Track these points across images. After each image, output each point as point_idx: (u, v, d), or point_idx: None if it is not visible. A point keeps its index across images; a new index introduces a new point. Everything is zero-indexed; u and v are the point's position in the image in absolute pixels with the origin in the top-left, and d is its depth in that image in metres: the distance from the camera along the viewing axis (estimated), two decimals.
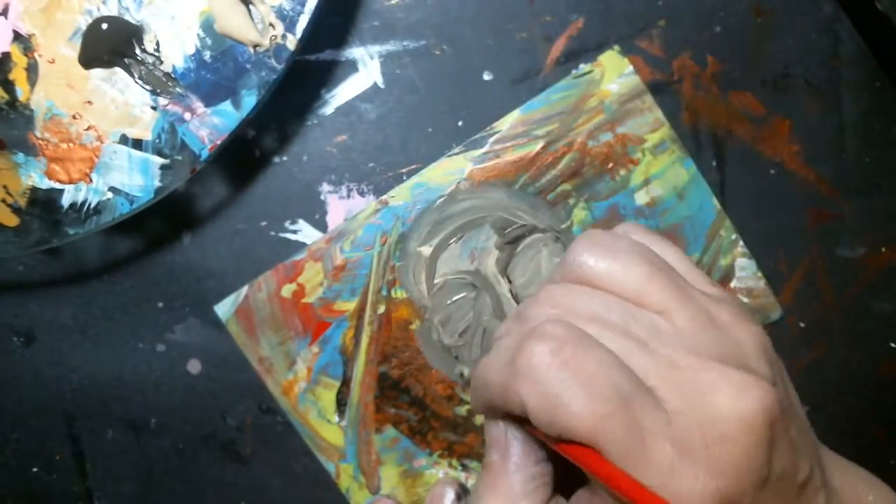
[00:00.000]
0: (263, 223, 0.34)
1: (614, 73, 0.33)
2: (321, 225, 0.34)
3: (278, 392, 0.34)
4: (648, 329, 0.21)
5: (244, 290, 0.33)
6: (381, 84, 0.33)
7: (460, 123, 0.33)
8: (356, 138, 0.33)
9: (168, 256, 0.34)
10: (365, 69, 0.33)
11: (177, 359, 0.34)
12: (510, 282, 0.34)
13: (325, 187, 0.34)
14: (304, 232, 0.34)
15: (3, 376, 0.34)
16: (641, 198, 0.33)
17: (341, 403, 0.34)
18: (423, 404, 0.34)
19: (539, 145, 0.33)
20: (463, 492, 0.33)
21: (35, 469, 0.35)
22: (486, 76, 0.33)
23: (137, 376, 0.34)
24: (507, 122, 0.33)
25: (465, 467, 0.34)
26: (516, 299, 0.33)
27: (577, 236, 0.25)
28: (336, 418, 0.34)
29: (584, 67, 0.33)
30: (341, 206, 0.34)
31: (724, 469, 0.19)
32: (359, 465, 0.34)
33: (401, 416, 0.34)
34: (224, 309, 0.33)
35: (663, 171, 0.33)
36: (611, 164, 0.33)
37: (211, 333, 0.34)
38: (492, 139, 0.33)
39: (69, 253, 0.34)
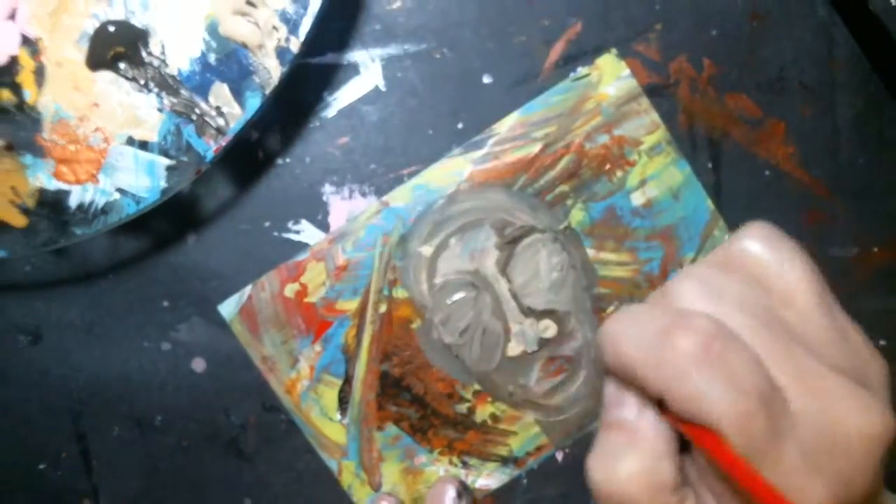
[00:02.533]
0: (266, 224, 0.34)
1: (611, 77, 0.33)
2: (323, 226, 0.34)
3: (281, 390, 0.34)
4: (787, 327, 0.22)
5: (247, 289, 0.34)
6: (382, 87, 0.34)
7: (460, 126, 0.34)
8: (358, 140, 0.34)
9: (173, 257, 0.34)
10: (366, 72, 0.34)
11: (181, 357, 0.35)
12: (509, 281, 0.34)
13: (328, 188, 0.34)
14: (307, 233, 0.34)
15: (11, 375, 0.35)
16: (638, 199, 0.34)
17: (343, 401, 0.35)
18: (424, 402, 0.35)
19: (538, 147, 0.34)
20: (463, 489, 0.34)
21: (41, 466, 0.35)
22: (486, 79, 0.34)
23: (143, 375, 0.35)
24: (507, 124, 0.34)
25: (465, 464, 0.35)
26: (515, 299, 0.34)
27: (745, 225, 0.25)
28: (338, 416, 0.35)
29: (581, 70, 0.33)
30: (343, 207, 0.34)
31: (844, 482, 0.20)
32: (360, 462, 0.35)
33: (402, 414, 0.35)
34: (228, 308, 0.34)
35: (659, 173, 0.34)
36: (608, 166, 0.34)
37: (215, 333, 0.35)
38: (491, 141, 0.34)
39: (76, 253, 0.34)
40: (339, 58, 0.34)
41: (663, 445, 0.22)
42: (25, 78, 0.30)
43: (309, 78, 0.34)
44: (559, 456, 0.35)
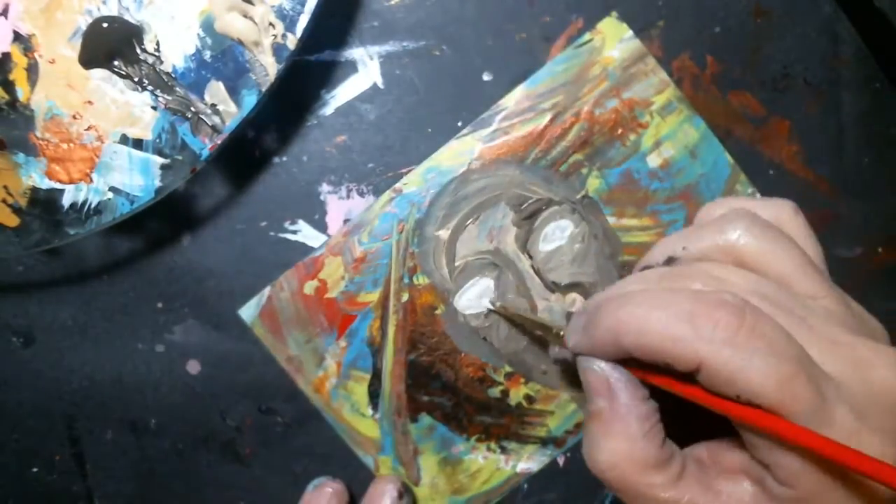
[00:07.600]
0: (263, 223, 0.34)
1: (614, 40, 0.33)
2: (321, 225, 0.34)
3: (310, 390, 0.34)
4: (802, 308, 0.22)
5: (266, 291, 0.33)
6: (380, 84, 0.33)
7: (460, 124, 0.33)
8: (356, 139, 0.34)
9: (168, 257, 0.34)
10: (364, 69, 0.33)
11: (176, 359, 0.34)
12: (531, 257, 0.33)
13: (325, 188, 0.34)
14: (304, 232, 0.34)
15: (3, 377, 0.34)
16: (654, 160, 0.33)
17: (374, 396, 0.34)
18: (456, 389, 0.34)
19: (546, 118, 0.33)
20: (405, 490, 0.33)
21: (35, 469, 0.35)
22: (486, 76, 0.33)
23: (137, 377, 0.34)
24: (513, 98, 0.33)
25: (503, 449, 0.34)
26: (539, 274, 0.33)
27: (725, 216, 0.25)
28: (370, 411, 0.34)
29: (584, 37, 0.33)
30: (341, 207, 0.34)
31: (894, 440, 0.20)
32: (397, 456, 0.34)
33: (434, 403, 0.34)
34: (248, 312, 0.33)
35: (673, 132, 0.33)
36: (620, 130, 0.33)
37: (210, 334, 0.34)
38: (499, 116, 0.33)
39: (69, 253, 0.34)
40: (336, 55, 0.33)
41: (636, 428, 0.23)
42: (18, 75, 0.30)
43: (306, 75, 0.33)
44: (560, 460, 0.35)
